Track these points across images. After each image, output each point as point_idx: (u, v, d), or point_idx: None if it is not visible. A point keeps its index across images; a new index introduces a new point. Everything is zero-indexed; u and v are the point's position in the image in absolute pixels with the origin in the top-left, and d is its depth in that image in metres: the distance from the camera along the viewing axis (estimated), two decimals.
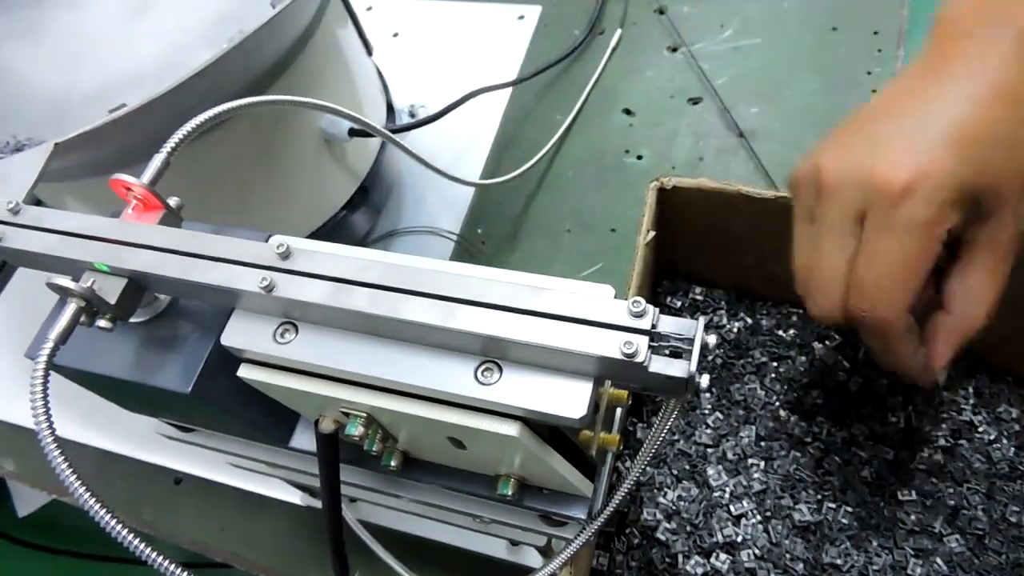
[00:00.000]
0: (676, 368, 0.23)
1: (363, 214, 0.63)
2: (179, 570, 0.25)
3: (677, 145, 0.69)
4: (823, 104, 0.68)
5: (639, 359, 0.23)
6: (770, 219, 0.46)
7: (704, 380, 0.23)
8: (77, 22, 0.52)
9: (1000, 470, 0.47)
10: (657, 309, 0.24)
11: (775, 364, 0.53)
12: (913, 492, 0.46)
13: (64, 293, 0.26)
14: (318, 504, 0.54)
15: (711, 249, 0.53)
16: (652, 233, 0.47)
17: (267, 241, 0.28)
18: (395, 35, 0.85)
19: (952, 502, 0.46)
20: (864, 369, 0.51)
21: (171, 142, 0.30)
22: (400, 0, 0.89)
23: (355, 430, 0.28)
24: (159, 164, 0.30)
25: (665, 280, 0.58)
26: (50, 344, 0.25)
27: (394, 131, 0.61)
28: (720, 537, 0.47)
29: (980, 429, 0.48)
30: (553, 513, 0.33)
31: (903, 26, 0.71)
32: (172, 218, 0.30)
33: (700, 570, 0.46)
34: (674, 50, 0.76)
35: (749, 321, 0.55)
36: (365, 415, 0.28)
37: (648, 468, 0.50)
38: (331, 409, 0.29)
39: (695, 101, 0.72)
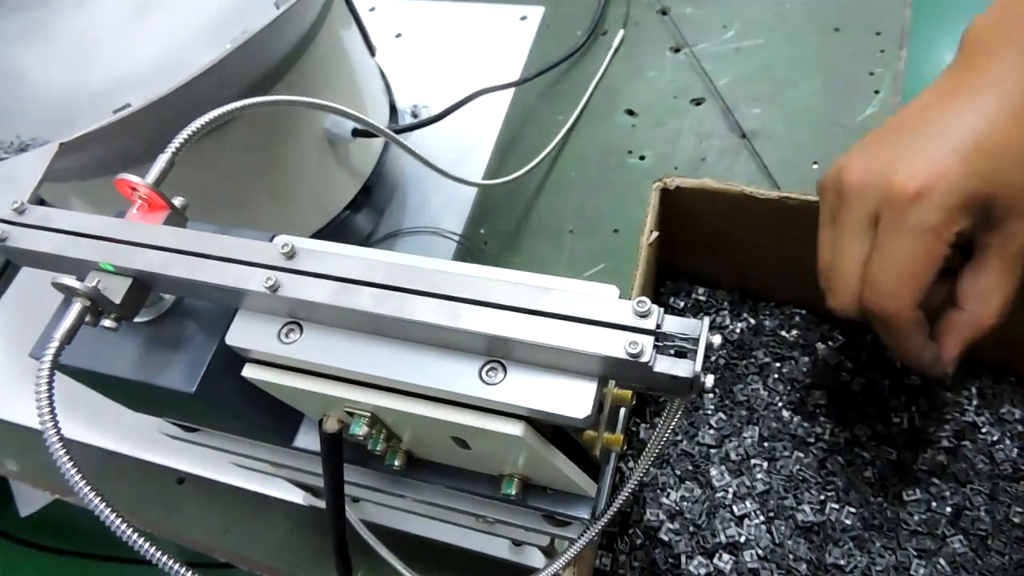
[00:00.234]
0: (681, 368, 0.23)
1: (366, 214, 0.63)
2: (184, 570, 0.25)
3: (680, 146, 0.69)
4: (825, 105, 0.68)
5: (644, 359, 0.23)
6: (772, 219, 0.46)
7: (709, 380, 0.23)
8: (81, 22, 0.52)
9: (1003, 471, 0.47)
10: (662, 309, 0.24)
11: (778, 365, 0.53)
12: (916, 493, 0.46)
13: (69, 293, 0.26)
14: (321, 504, 0.54)
15: (714, 249, 0.53)
16: (655, 234, 0.47)
17: (272, 241, 0.28)
18: (398, 36, 0.85)
19: (955, 503, 0.46)
20: (867, 370, 0.51)
21: (176, 142, 0.30)
22: (403, 1, 0.89)
23: (359, 430, 0.28)
24: (164, 164, 0.30)
25: (668, 280, 0.58)
26: (55, 344, 0.25)
27: (397, 131, 0.61)
28: (723, 538, 0.47)
29: (983, 430, 0.48)
30: (557, 513, 0.33)
31: (906, 27, 0.71)
32: (177, 218, 0.30)
33: (703, 570, 0.46)
34: (676, 51, 0.76)
35: (752, 322, 0.55)
36: (369, 415, 0.28)
37: (651, 468, 0.50)
38: (335, 409, 0.29)
39: (698, 102, 0.72)
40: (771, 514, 0.47)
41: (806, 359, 0.52)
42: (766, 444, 0.50)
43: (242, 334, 0.27)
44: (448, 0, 0.87)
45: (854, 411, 0.50)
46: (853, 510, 0.46)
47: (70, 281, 0.26)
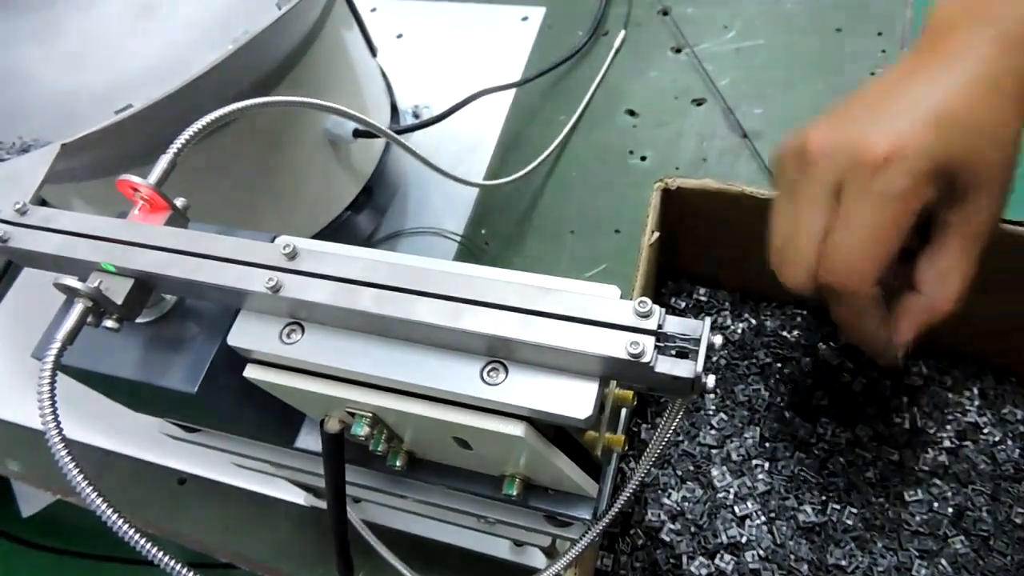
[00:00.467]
0: (682, 368, 0.23)
1: (367, 215, 0.63)
2: (186, 570, 0.25)
3: (681, 146, 0.69)
4: (826, 105, 0.68)
5: (645, 359, 0.23)
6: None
7: (710, 381, 0.23)
8: (84, 23, 0.52)
9: (1005, 471, 0.47)
10: (663, 309, 0.24)
11: (779, 365, 0.53)
12: (918, 493, 0.46)
13: (71, 293, 0.26)
14: (322, 504, 0.54)
15: (715, 250, 0.53)
16: (656, 234, 0.47)
17: (273, 242, 0.28)
18: (399, 36, 0.85)
19: (957, 503, 0.46)
20: (868, 370, 0.51)
21: (177, 143, 0.30)
22: (404, 1, 0.89)
23: (361, 430, 0.28)
24: (165, 165, 0.30)
25: (669, 281, 0.58)
26: (57, 344, 0.25)
27: (398, 132, 0.61)
28: (724, 538, 0.47)
29: (985, 431, 0.48)
30: (558, 513, 0.33)
31: (907, 27, 0.71)
32: (179, 219, 0.30)
33: (704, 571, 0.46)
34: (678, 51, 0.76)
35: (753, 322, 0.55)
36: (371, 415, 0.28)
37: (652, 469, 0.50)
38: (337, 409, 0.29)
39: (699, 102, 0.72)
40: (772, 514, 0.47)
41: (807, 359, 0.52)
42: (767, 444, 0.50)
43: (244, 334, 0.27)
44: (449, 0, 0.87)
45: (855, 412, 0.50)
46: (854, 511, 0.46)
47: (72, 282, 0.26)
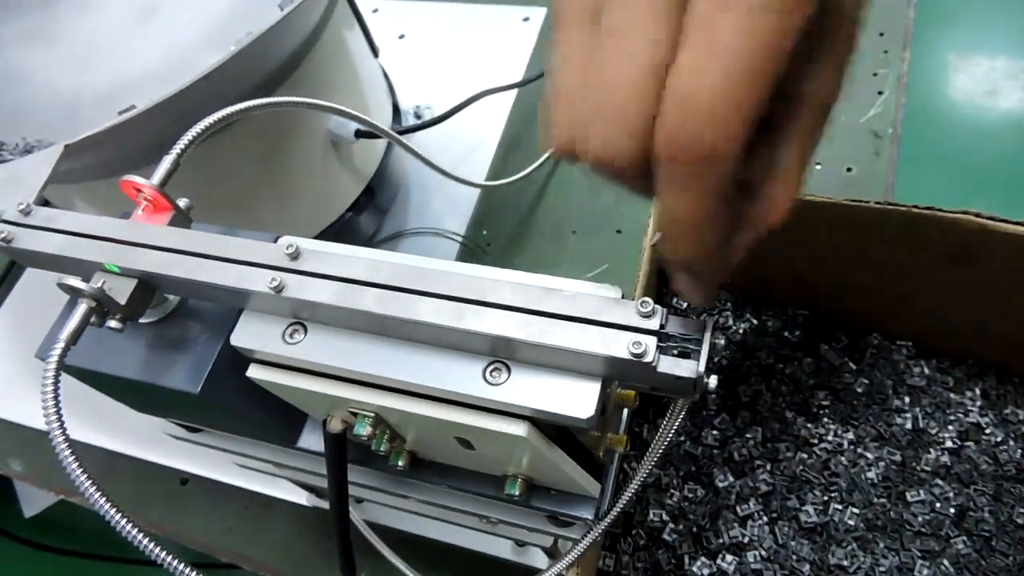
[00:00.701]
0: (684, 368, 0.23)
1: (369, 215, 0.63)
2: (189, 570, 0.25)
3: None
4: None
5: (647, 359, 0.23)
6: None
7: (712, 381, 0.23)
8: (86, 24, 0.52)
9: (1007, 472, 0.47)
10: (665, 310, 0.24)
11: (781, 365, 0.53)
12: (920, 494, 0.46)
13: (75, 294, 0.26)
14: (324, 505, 0.54)
15: None
16: (659, 234, 0.47)
17: (276, 242, 0.28)
18: (401, 37, 0.85)
19: (959, 504, 0.46)
20: (870, 370, 0.51)
21: (180, 144, 0.30)
22: (406, 2, 0.89)
23: (363, 430, 0.28)
24: (168, 165, 0.30)
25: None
26: (61, 345, 0.26)
27: (400, 132, 0.61)
28: (726, 538, 0.47)
29: (987, 431, 0.48)
30: (560, 513, 0.33)
31: (909, 27, 0.71)
32: (181, 219, 0.30)
33: (706, 571, 0.46)
34: None
35: (755, 322, 0.55)
36: (373, 415, 0.28)
37: (654, 469, 0.50)
38: (339, 409, 0.29)
39: None
40: (774, 515, 0.47)
41: (809, 360, 0.52)
42: (769, 445, 0.50)
43: (247, 335, 0.27)
44: (451, 1, 0.87)
45: (857, 412, 0.50)
46: (856, 511, 0.46)
47: (75, 282, 0.26)
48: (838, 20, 0.24)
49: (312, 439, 0.35)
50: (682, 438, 0.51)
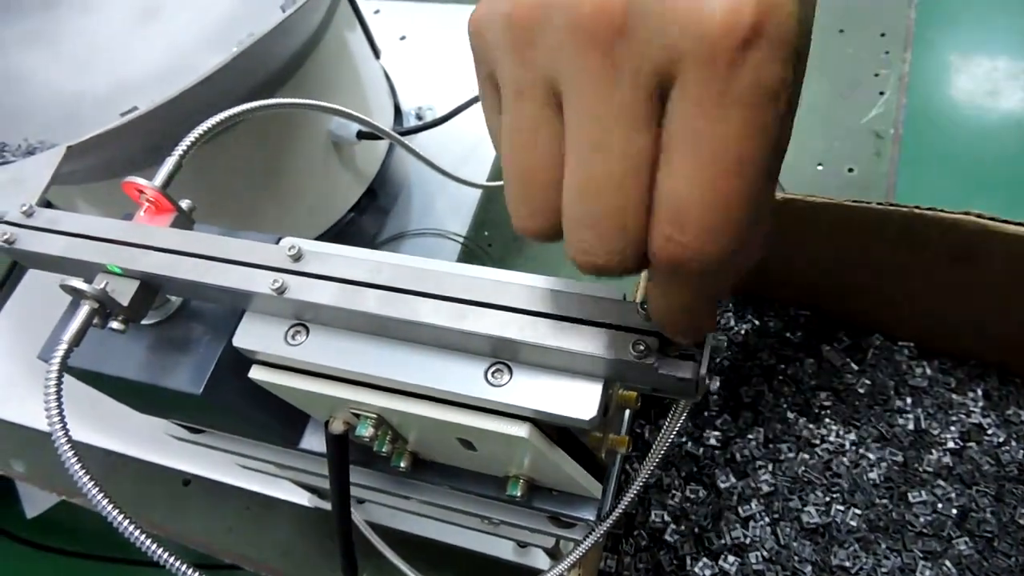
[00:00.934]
0: (686, 369, 0.23)
1: (371, 216, 0.63)
2: (191, 571, 0.25)
3: None
4: (830, 106, 0.68)
5: (649, 361, 0.23)
6: (776, 221, 0.46)
7: (715, 382, 0.23)
8: (88, 26, 0.52)
9: (1009, 472, 0.47)
10: None
11: (783, 366, 0.53)
12: (922, 494, 0.46)
13: (77, 295, 0.26)
14: (326, 505, 0.55)
15: None
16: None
17: (278, 243, 0.28)
18: (402, 38, 0.85)
19: (961, 504, 0.46)
20: (872, 371, 0.51)
21: (183, 145, 0.30)
22: (407, 3, 0.89)
23: (365, 431, 0.28)
24: (171, 167, 0.30)
25: None
26: (64, 346, 0.26)
27: (402, 134, 0.62)
28: (728, 539, 0.47)
29: (989, 432, 0.48)
30: (562, 514, 0.33)
31: (910, 28, 0.71)
32: (184, 220, 0.30)
33: (708, 572, 0.46)
34: None
35: (757, 323, 0.55)
36: (375, 416, 0.28)
37: (656, 470, 0.50)
38: (341, 410, 0.29)
39: None
40: (776, 516, 0.47)
41: (811, 360, 0.52)
42: (771, 446, 0.50)
43: (249, 336, 0.27)
44: (452, 3, 0.87)
45: (859, 412, 0.50)
46: (858, 512, 0.46)
47: (78, 283, 0.26)
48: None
49: (314, 440, 0.35)
50: (684, 439, 0.51)
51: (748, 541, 0.46)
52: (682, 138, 0.19)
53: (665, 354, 0.23)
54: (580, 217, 0.20)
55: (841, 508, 0.47)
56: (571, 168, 0.20)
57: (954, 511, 0.46)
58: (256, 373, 0.28)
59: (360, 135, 0.56)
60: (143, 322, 0.30)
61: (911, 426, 0.49)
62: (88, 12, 0.53)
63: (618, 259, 0.20)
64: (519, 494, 0.31)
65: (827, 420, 0.50)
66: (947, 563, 0.44)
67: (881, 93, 0.68)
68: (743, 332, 0.54)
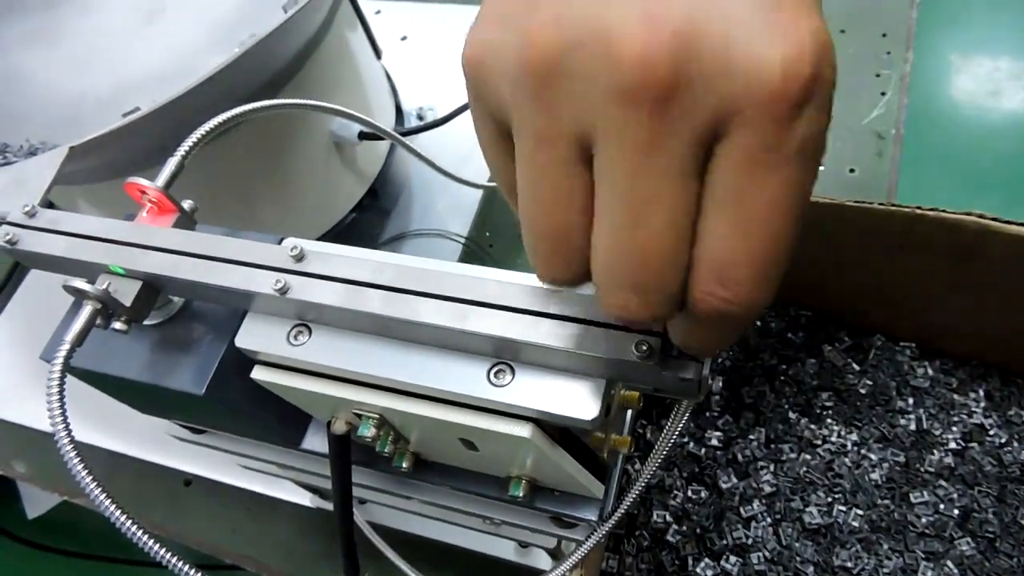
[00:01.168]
0: (689, 370, 0.23)
1: (372, 216, 0.63)
2: (194, 571, 0.25)
3: None
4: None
5: (652, 361, 0.23)
6: None
7: (717, 382, 0.23)
8: (90, 26, 0.52)
9: (1011, 473, 0.47)
10: None
11: (784, 366, 0.53)
12: (924, 495, 0.46)
13: (80, 295, 0.26)
14: (328, 506, 0.55)
15: None
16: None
17: (280, 244, 0.28)
18: (403, 38, 0.85)
19: (963, 505, 0.46)
20: (874, 371, 0.51)
21: (185, 146, 0.30)
22: (408, 4, 0.89)
23: (367, 431, 0.28)
24: (173, 167, 0.30)
25: None
26: (66, 346, 0.26)
27: (403, 134, 0.62)
28: (730, 540, 0.47)
29: (991, 432, 0.48)
30: (564, 515, 0.33)
31: (912, 28, 0.71)
32: (186, 221, 0.30)
33: (710, 572, 0.46)
34: None
35: (758, 324, 0.55)
36: (377, 417, 0.28)
37: (658, 470, 0.50)
38: (344, 411, 0.29)
39: None
40: (778, 516, 0.47)
41: (812, 361, 0.52)
42: (773, 446, 0.50)
43: (251, 336, 0.28)
44: (453, 3, 0.87)
45: (861, 413, 0.50)
46: (860, 512, 0.46)
47: (81, 284, 0.26)
48: None
49: (316, 440, 0.35)
50: (686, 439, 0.51)
51: (750, 541, 0.46)
52: (726, 197, 0.18)
53: (667, 354, 0.23)
54: (620, 279, 0.20)
55: (843, 508, 0.47)
56: (608, 228, 0.19)
57: (956, 512, 0.46)
58: (258, 373, 0.28)
59: (361, 135, 0.56)
60: (145, 322, 0.30)
61: (913, 426, 0.49)
62: (90, 12, 0.53)
63: (656, 315, 0.20)
64: (521, 494, 0.31)
65: (829, 420, 0.50)
66: (949, 563, 0.44)
67: (883, 93, 0.68)
68: (745, 332, 0.54)
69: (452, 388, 0.25)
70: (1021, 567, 0.44)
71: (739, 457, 0.50)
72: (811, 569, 0.45)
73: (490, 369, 0.25)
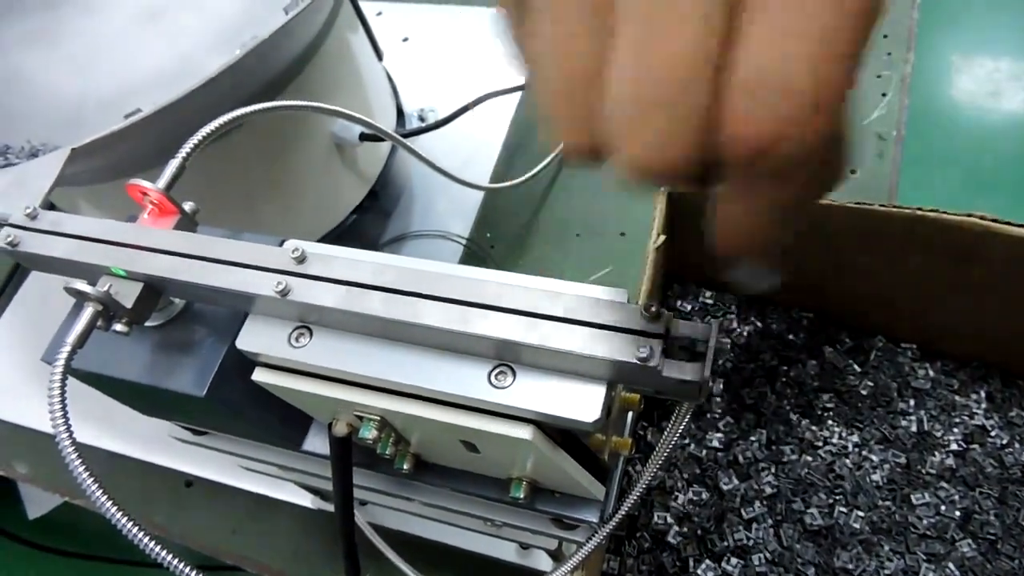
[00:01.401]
0: (690, 372, 0.23)
1: (373, 218, 0.63)
2: (195, 573, 0.25)
3: None
4: None
5: (653, 363, 0.23)
6: None
7: (718, 384, 0.23)
8: (91, 28, 0.52)
9: (1013, 474, 0.47)
10: (671, 313, 0.24)
11: (785, 368, 0.53)
12: (925, 496, 0.46)
13: (81, 297, 0.26)
14: (329, 507, 0.55)
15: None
16: (663, 237, 0.47)
17: (282, 246, 0.28)
18: (405, 40, 0.85)
19: (964, 506, 0.46)
20: (875, 373, 0.51)
21: (186, 147, 0.30)
22: (410, 5, 0.89)
23: (369, 433, 0.28)
24: (174, 169, 0.30)
25: (675, 284, 0.58)
26: (67, 348, 0.26)
27: (404, 135, 0.62)
28: (731, 541, 0.47)
29: (992, 433, 0.48)
30: (565, 516, 0.33)
31: (913, 29, 0.71)
32: (187, 223, 0.30)
33: (711, 574, 0.46)
34: None
35: (759, 325, 0.55)
36: (379, 418, 0.28)
37: (658, 472, 0.50)
38: (345, 412, 0.29)
39: None
40: (779, 518, 0.47)
41: (813, 362, 0.52)
42: (773, 447, 0.50)
43: (252, 338, 0.28)
44: (455, 4, 0.87)
45: (862, 414, 0.50)
46: (861, 514, 0.46)
47: (82, 286, 0.26)
48: None
49: (317, 442, 0.35)
50: (686, 441, 0.51)
51: (751, 543, 0.46)
52: (760, 10, 0.16)
53: (668, 356, 0.23)
54: (642, 102, 0.17)
55: (844, 510, 0.47)
56: (625, 45, 0.17)
57: (957, 513, 0.46)
58: (259, 375, 0.28)
59: (363, 137, 0.56)
60: (147, 324, 0.30)
61: (914, 428, 0.49)
62: (91, 13, 0.53)
63: (685, 152, 0.17)
64: (522, 496, 0.31)
65: (830, 422, 0.50)
66: (950, 565, 0.44)
67: (883, 95, 0.68)
68: (745, 334, 0.54)
69: (453, 390, 0.25)
70: (1023, 569, 0.44)
71: (740, 458, 0.50)
72: (812, 570, 0.45)
73: (491, 371, 0.25)
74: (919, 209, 0.42)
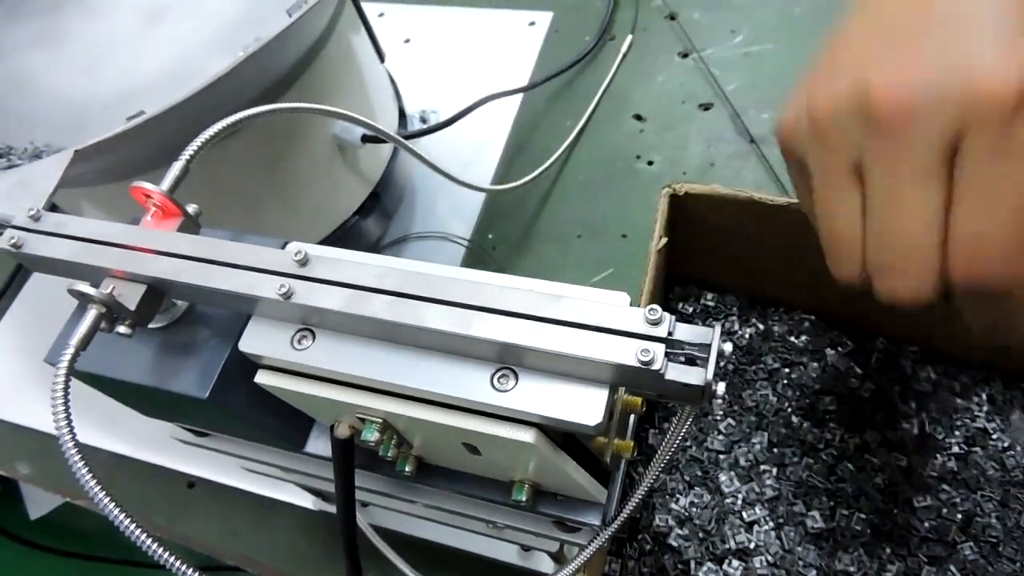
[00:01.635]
0: (692, 375, 0.23)
1: (375, 220, 0.63)
2: (196, 574, 0.25)
3: (688, 151, 0.69)
4: None
5: (655, 367, 0.23)
6: (781, 225, 0.46)
7: (720, 387, 0.23)
8: (94, 29, 0.52)
9: (1014, 477, 0.47)
10: (673, 316, 0.24)
11: (787, 370, 0.53)
12: (926, 499, 0.46)
13: (84, 299, 0.26)
14: (330, 509, 0.55)
15: (722, 255, 0.53)
16: (664, 239, 0.47)
17: (285, 248, 0.28)
18: (407, 41, 0.86)
19: (966, 509, 0.46)
20: (876, 375, 0.51)
21: (190, 149, 0.31)
22: (411, 6, 0.89)
23: (371, 436, 0.28)
24: (178, 171, 0.30)
25: (676, 286, 0.58)
26: (71, 350, 0.26)
27: (406, 137, 0.62)
28: (733, 544, 0.47)
29: (994, 436, 0.48)
30: (567, 519, 0.33)
31: None
32: (190, 225, 0.30)
33: None
34: (685, 56, 0.76)
35: (761, 327, 0.55)
36: (381, 421, 0.28)
37: (660, 474, 0.50)
38: (347, 415, 0.29)
39: (706, 107, 0.72)
40: (780, 520, 0.47)
41: (815, 364, 0.52)
42: (775, 450, 0.50)
43: (255, 340, 0.28)
44: (457, 6, 0.87)
45: (864, 417, 0.50)
46: (863, 516, 0.46)
47: (85, 288, 0.26)
48: None
49: (319, 444, 0.35)
50: (688, 443, 0.51)
51: (752, 546, 0.46)
52: (974, 184, 0.25)
53: (671, 360, 0.23)
54: (885, 264, 0.27)
55: (845, 513, 0.47)
56: (876, 217, 0.27)
57: (959, 516, 0.46)
58: (262, 377, 0.28)
59: (364, 138, 0.56)
60: (150, 326, 0.30)
61: (915, 430, 0.49)
62: (94, 15, 0.53)
63: (919, 292, 0.27)
64: (524, 499, 0.31)
65: (831, 424, 0.50)
66: (952, 568, 0.44)
67: None
68: (747, 336, 0.54)
69: (455, 393, 0.25)
70: None
71: (742, 461, 0.50)
72: (813, 573, 0.45)
73: (494, 374, 0.25)
74: None
